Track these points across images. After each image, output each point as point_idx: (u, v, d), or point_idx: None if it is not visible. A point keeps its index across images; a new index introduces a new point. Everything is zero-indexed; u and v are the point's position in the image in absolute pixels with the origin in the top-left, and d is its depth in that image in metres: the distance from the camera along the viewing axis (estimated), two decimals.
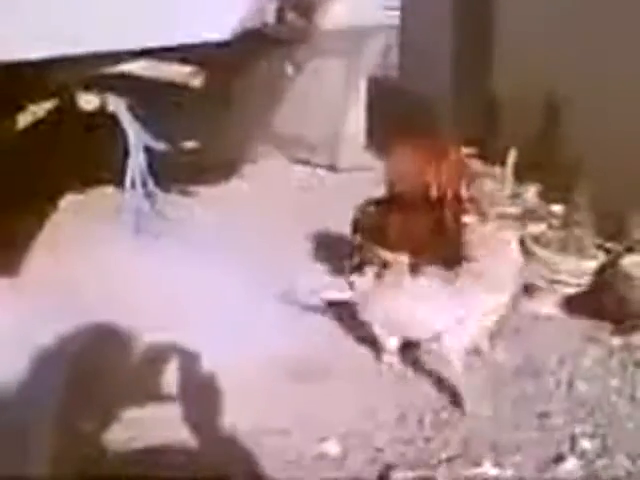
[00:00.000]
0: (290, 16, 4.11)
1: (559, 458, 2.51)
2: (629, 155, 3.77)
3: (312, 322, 3.28)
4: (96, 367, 2.87)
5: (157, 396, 2.76)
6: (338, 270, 3.55)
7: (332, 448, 2.54)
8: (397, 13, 7.33)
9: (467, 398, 2.76)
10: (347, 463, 2.48)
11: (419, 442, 2.59)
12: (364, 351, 3.12)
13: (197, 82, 3.88)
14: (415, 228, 3.23)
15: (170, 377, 2.87)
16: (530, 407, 2.80)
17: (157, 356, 2.90)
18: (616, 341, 3.25)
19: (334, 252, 3.81)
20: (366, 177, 4.67)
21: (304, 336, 3.13)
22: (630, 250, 3.36)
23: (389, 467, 2.43)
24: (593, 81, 4.11)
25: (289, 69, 5.19)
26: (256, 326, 3.14)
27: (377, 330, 2.98)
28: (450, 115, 5.53)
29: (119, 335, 2.99)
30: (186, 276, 3.38)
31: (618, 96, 3.95)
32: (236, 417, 2.64)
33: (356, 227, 3.45)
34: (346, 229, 3.53)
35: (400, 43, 7.32)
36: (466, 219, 3.78)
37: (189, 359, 2.89)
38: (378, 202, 3.43)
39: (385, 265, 3.14)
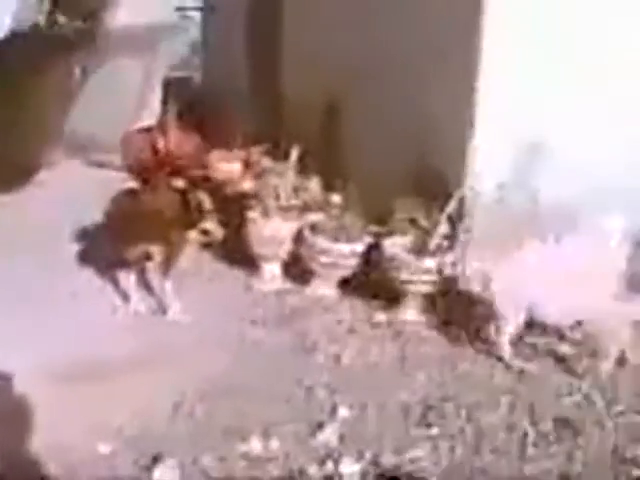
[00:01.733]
0: (63, 18, 4.07)
1: (319, 426, 2.76)
2: (395, 149, 4.13)
3: (96, 325, 3.33)
4: None
5: None
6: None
7: (105, 448, 2.61)
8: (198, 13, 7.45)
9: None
10: (118, 460, 2.56)
11: (190, 427, 2.73)
12: (143, 344, 3.21)
13: None
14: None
15: None
16: (300, 382, 3.04)
17: None
18: (382, 317, 3.60)
19: None
20: None
21: (85, 339, 3.17)
22: (391, 233, 3.71)
23: (156, 458, 2.54)
24: (371, 83, 4.42)
25: (78, 71, 5.12)
26: (33, 331, 3.14)
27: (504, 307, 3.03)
28: (246, 114, 5.69)
29: None
30: None
31: (391, 96, 4.28)
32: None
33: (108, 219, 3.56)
34: None
35: (202, 43, 7.43)
36: (250, 214, 4.02)
37: None
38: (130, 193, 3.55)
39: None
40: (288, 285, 3.89)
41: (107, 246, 3.63)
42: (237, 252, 4.06)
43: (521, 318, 3.13)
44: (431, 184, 3.71)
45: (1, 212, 4.54)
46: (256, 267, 3.95)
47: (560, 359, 3.21)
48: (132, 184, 3.99)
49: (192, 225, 3.60)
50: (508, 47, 3.32)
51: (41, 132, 5.27)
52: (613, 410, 2.88)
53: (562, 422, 2.79)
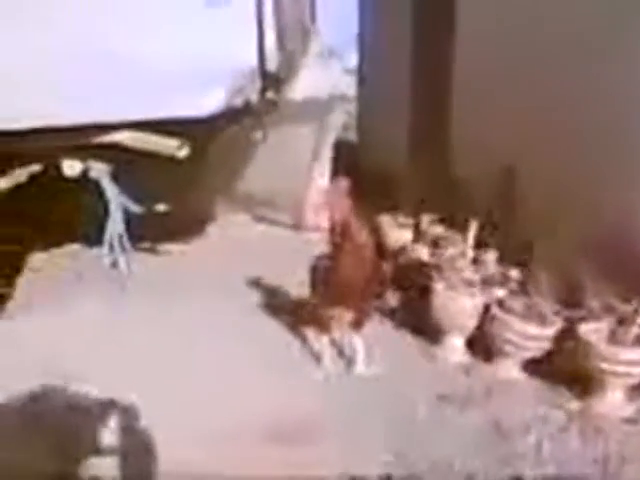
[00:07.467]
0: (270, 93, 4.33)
1: None
2: (583, 226, 4.04)
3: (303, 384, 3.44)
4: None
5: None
6: None
7: None
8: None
9: None
10: None
11: None
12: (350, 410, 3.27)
13: (183, 153, 4.05)
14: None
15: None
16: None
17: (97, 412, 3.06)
18: (574, 406, 3.48)
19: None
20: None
21: (290, 398, 3.26)
22: (585, 318, 3.61)
23: None
24: (547, 152, 4.39)
25: (260, 135, 5.42)
26: (233, 388, 3.29)
27: None
28: (408, 186, 5.72)
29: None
30: (154, 335, 3.54)
31: (572, 166, 4.21)
32: None
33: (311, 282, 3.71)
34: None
35: (358, 113, 7.69)
36: (434, 285, 4.04)
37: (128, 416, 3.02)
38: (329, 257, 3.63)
39: None
40: (471, 360, 3.86)
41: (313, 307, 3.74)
42: (416, 321, 4.10)
43: None
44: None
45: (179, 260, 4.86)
46: (438, 338, 3.96)
47: None
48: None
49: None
50: None
51: (216, 187, 5.61)
52: None
53: None
